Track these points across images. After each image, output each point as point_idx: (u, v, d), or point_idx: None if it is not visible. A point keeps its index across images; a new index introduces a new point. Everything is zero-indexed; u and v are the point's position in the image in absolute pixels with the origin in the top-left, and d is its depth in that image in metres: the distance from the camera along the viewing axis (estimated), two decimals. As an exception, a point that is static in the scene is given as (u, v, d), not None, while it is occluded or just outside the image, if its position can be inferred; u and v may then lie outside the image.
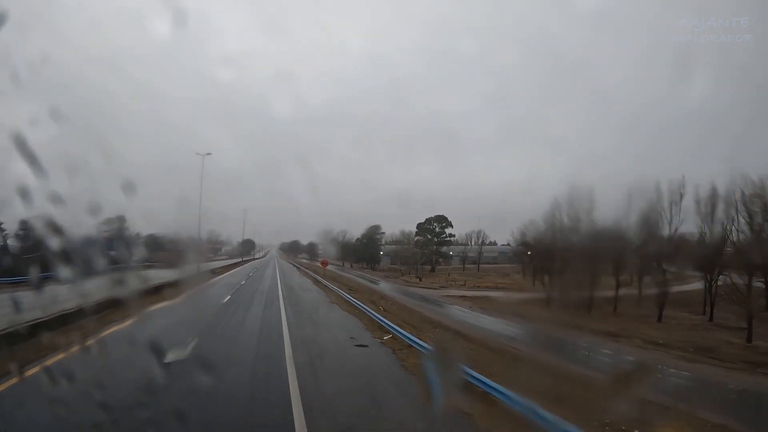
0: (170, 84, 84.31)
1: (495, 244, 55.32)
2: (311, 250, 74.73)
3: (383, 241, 62.15)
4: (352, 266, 62.61)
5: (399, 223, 60.17)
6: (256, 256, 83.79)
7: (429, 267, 48.58)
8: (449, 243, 52.89)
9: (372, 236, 61.68)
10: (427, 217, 53.57)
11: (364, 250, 61.56)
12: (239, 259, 70.41)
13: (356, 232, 64.13)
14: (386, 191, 73.71)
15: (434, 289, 36.75)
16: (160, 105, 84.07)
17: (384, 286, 38.53)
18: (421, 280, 42.38)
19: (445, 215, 53.04)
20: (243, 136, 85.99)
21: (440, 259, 52.71)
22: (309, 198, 74.35)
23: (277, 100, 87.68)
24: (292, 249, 78.14)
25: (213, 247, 76.37)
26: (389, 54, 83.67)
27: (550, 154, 67.00)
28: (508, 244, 51.13)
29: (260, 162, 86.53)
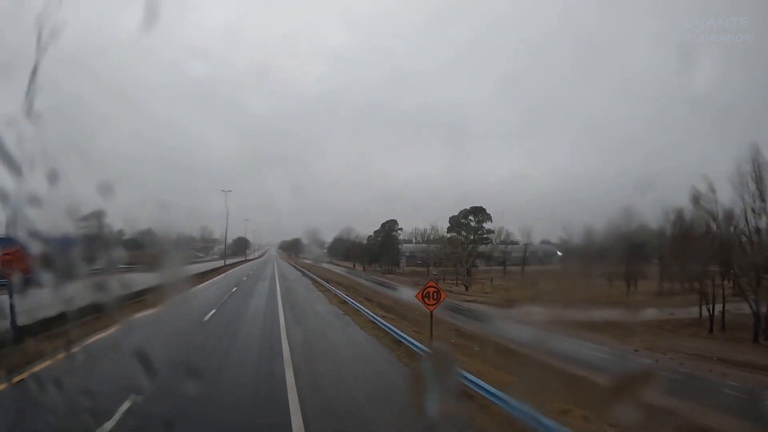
0: (157, 78, 75.26)
1: (515, 242, 46.28)
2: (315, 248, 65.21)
3: (401, 239, 52.44)
4: (365, 269, 52.59)
5: (402, 219, 50.86)
6: (250, 257, 73.19)
7: (463, 270, 38.62)
8: (488, 241, 42.90)
9: (389, 233, 51.63)
10: (462, 209, 43.86)
11: (380, 250, 51.40)
12: (222, 263, 54.05)
13: (361, 229, 55.04)
14: (390, 187, 65.01)
15: (502, 305, 26.39)
16: (145, 100, 74.87)
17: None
18: (468, 288, 32.41)
19: (483, 206, 43.23)
20: (237, 131, 76.82)
21: (477, 261, 42.80)
22: (309, 195, 66.12)
23: (271, 92, 78.13)
24: (293, 248, 68.14)
25: (204, 245, 67.39)
26: (392, 39, 74.02)
27: (577, 143, 58.06)
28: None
29: (257, 158, 76.74)
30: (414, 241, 52.94)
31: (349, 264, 57.10)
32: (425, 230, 54.12)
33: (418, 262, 51.86)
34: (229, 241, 68.87)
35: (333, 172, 79.49)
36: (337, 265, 60.74)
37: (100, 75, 63.19)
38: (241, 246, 67.84)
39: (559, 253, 43.32)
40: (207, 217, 59.68)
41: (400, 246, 50.93)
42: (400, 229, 52.19)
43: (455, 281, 36.81)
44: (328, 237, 62.94)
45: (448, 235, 42.38)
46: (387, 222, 51.96)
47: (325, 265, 62.41)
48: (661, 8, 50.47)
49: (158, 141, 67.76)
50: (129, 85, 67.42)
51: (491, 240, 42.70)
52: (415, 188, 67.46)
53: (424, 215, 61.95)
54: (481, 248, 42.54)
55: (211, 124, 78.28)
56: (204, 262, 54.51)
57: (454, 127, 65.44)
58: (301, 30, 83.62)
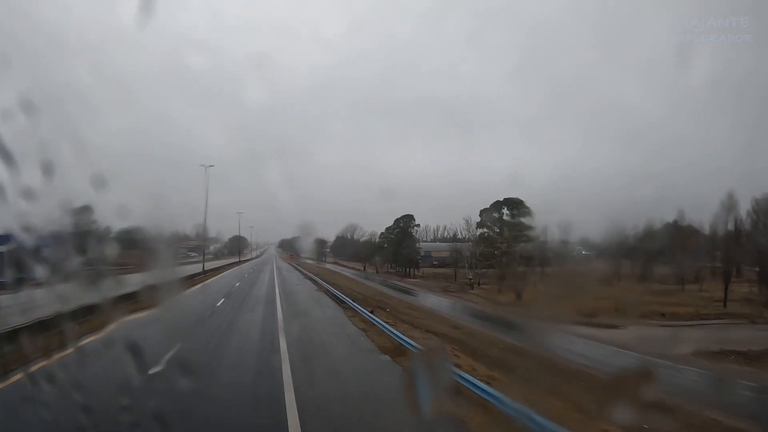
0: (147, 72, 69.23)
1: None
2: (318, 248, 59.36)
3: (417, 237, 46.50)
4: (377, 271, 46.60)
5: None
6: (247, 257, 66.58)
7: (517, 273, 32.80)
8: (526, 238, 37.19)
9: (405, 230, 45.56)
10: (495, 200, 38.35)
11: (395, 250, 45.30)
12: (201, 269, 40.75)
13: (365, 227, 49.40)
14: (393, 184, 59.68)
15: (590, 323, 19.81)
16: (138, 95, 68.80)
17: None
18: (520, 297, 26.67)
19: (521, 198, 37.59)
20: (233, 127, 70.91)
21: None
22: (309, 193, 60.80)
23: (266, 86, 72.19)
24: (293, 247, 61.98)
25: (199, 245, 61.17)
26: (395, 27, 68.22)
27: (587, 136, 53.46)
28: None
29: (255, 155, 70.76)
30: (422, 239, 47.29)
31: (357, 265, 51.10)
32: (438, 228, 48.65)
33: (434, 263, 46.08)
34: (225, 240, 62.77)
35: (332, 170, 74.02)
36: (343, 266, 54.71)
37: (93, 68, 56.89)
38: (237, 245, 61.39)
39: (584, 252, 38.27)
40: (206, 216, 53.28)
41: (418, 245, 45.02)
42: (417, 225, 46.25)
43: (498, 288, 30.93)
44: (330, 236, 57.19)
45: (482, 231, 36.51)
46: (402, 217, 45.94)
47: (328, 266, 56.33)
48: (662, 7, 46.85)
49: (152, 137, 61.88)
50: (122, 80, 61.28)
51: (531, 238, 36.83)
52: (420, 185, 62.28)
53: (428, 213, 56.74)
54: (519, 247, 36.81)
55: (208, 121, 72.36)
56: (197, 263, 47.65)
57: (459, 120, 60.35)
58: (298, 18, 77.42)
